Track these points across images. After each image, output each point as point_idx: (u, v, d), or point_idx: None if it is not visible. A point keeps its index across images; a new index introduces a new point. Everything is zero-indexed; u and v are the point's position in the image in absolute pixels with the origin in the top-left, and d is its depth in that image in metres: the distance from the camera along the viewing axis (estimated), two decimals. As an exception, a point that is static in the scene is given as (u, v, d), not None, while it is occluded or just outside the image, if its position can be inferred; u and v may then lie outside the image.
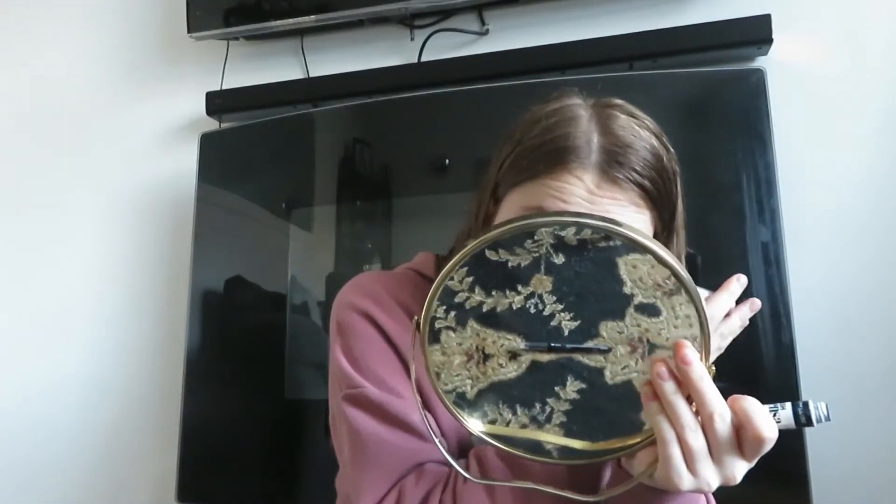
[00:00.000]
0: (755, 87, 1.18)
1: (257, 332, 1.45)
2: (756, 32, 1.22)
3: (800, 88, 1.25)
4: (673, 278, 0.50)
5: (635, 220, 0.61)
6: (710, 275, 1.16)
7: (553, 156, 0.62)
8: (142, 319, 1.62)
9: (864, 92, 1.22)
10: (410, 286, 0.76)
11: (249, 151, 1.53)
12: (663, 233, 0.66)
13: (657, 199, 0.63)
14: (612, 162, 0.61)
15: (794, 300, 1.12)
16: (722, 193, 1.17)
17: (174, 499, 1.44)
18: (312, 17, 1.46)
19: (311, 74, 1.56)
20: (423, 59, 1.47)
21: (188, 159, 1.56)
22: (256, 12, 1.50)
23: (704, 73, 1.24)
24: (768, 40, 1.22)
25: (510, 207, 0.65)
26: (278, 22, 1.49)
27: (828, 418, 0.54)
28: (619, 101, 0.67)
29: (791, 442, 1.07)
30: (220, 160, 1.53)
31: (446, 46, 1.47)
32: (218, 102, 1.56)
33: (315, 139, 1.49)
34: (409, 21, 1.50)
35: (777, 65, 1.24)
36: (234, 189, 1.52)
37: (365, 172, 1.44)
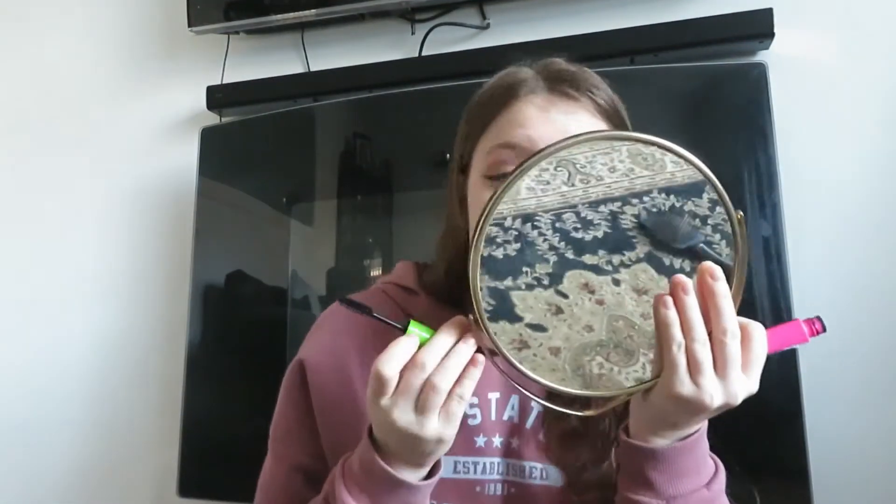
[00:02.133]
0: (757, 81, 1.17)
1: (258, 326, 1.46)
2: (758, 26, 1.22)
3: (801, 82, 1.24)
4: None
5: (594, 126, 0.63)
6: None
7: (504, 93, 0.66)
8: (143, 314, 1.62)
9: (866, 86, 1.22)
10: (385, 304, 0.75)
11: (250, 146, 1.53)
12: None
13: (611, 114, 0.65)
14: (560, 81, 0.64)
15: (795, 295, 1.12)
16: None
17: (175, 493, 1.44)
18: (313, 11, 1.45)
19: (312, 69, 1.55)
20: (424, 53, 1.47)
21: (189, 154, 1.56)
22: (257, 6, 1.50)
23: (706, 67, 1.23)
24: (770, 34, 1.22)
25: (478, 162, 0.67)
26: (279, 16, 1.48)
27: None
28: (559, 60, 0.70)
29: (791, 436, 1.08)
30: (220, 154, 1.53)
31: (447, 40, 1.47)
32: (218, 97, 1.56)
33: (316, 133, 1.49)
34: (410, 15, 1.49)
35: (779, 59, 1.24)
36: (234, 183, 1.52)
37: (366, 167, 1.44)
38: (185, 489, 1.44)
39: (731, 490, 0.62)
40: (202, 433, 1.45)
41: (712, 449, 0.61)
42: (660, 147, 0.53)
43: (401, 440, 0.55)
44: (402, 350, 0.54)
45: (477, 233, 0.54)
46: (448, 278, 0.73)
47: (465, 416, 0.69)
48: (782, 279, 1.13)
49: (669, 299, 0.51)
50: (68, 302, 1.67)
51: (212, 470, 1.44)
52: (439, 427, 0.54)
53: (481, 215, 0.54)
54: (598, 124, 0.64)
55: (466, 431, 0.69)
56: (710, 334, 0.51)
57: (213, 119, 1.60)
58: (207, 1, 1.53)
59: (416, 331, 0.56)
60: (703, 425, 0.59)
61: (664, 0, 1.33)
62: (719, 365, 0.51)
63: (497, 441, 0.70)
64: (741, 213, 0.53)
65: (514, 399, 0.71)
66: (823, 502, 1.08)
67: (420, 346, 0.55)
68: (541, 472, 0.69)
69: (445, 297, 0.73)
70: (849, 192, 1.21)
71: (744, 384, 0.52)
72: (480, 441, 0.69)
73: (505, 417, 0.71)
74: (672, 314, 0.51)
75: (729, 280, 0.52)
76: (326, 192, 1.46)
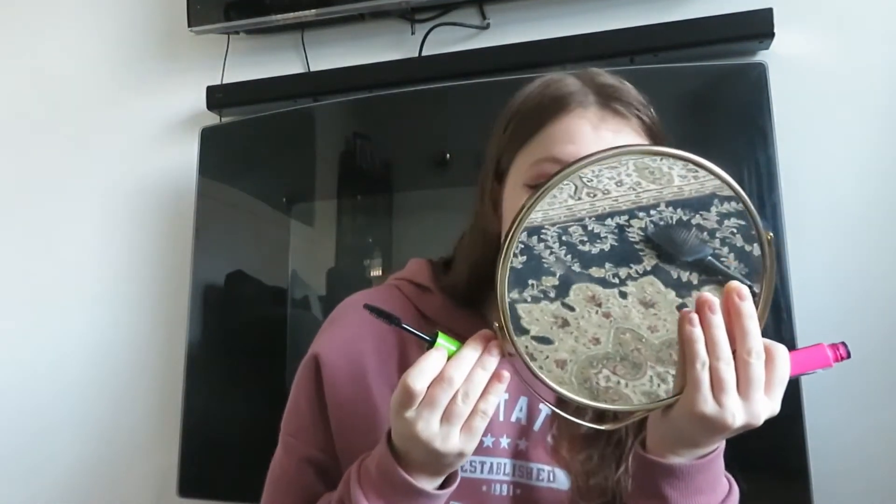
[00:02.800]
0: (757, 81, 1.17)
1: (258, 326, 1.45)
2: (758, 26, 1.22)
3: (801, 83, 1.24)
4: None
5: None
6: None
7: (552, 105, 0.64)
8: (143, 314, 1.62)
9: (866, 86, 1.22)
10: (398, 301, 0.75)
11: (250, 146, 1.53)
12: None
13: (657, 134, 0.64)
14: (610, 97, 0.63)
15: (795, 295, 1.12)
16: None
17: (175, 493, 1.44)
18: (313, 11, 1.45)
19: (312, 69, 1.55)
20: (424, 53, 1.47)
21: (189, 154, 1.56)
22: (257, 6, 1.50)
23: (706, 67, 1.23)
24: (770, 34, 1.22)
25: (518, 171, 0.66)
26: (279, 16, 1.48)
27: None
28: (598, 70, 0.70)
29: (791, 435, 1.08)
30: (220, 154, 1.53)
31: (447, 40, 1.47)
32: (218, 97, 1.56)
33: (316, 133, 1.49)
34: (410, 15, 1.49)
35: (779, 59, 1.24)
36: (234, 183, 1.52)
37: (366, 167, 1.44)
38: (185, 489, 1.44)
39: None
40: (202, 433, 1.45)
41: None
42: (703, 168, 0.53)
43: (422, 451, 0.55)
44: (432, 365, 0.54)
45: (507, 242, 0.54)
46: (470, 281, 0.72)
47: None
48: (782, 279, 1.12)
49: (695, 317, 0.51)
50: (68, 302, 1.67)
51: (212, 470, 1.44)
52: (461, 442, 0.54)
53: (512, 224, 0.54)
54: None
55: None
56: (734, 353, 0.51)
57: (213, 119, 1.60)
58: (207, 1, 1.53)
59: (444, 343, 0.56)
60: (721, 444, 0.59)
61: (664, 0, 1.33)
62: (742, 385, 0.51)
63: (504, 442, 0.70)
64: (771, 233, 0.54)
65: (523, 401, 0.71)
66: (823, 502, 1.08)
67: (447, 359, 0.55)
68: (548, 474, 0.69)
69: (462, 298, 0.73)
70: (849, 192, 1.21)
71: (766, 405, 0.52)
72: (488, 441, 0.69)
73: (513, 419, 0.71)
74: (697, 332, 0.51)
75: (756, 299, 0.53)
76: (326, 192, 1.46)
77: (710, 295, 0.51)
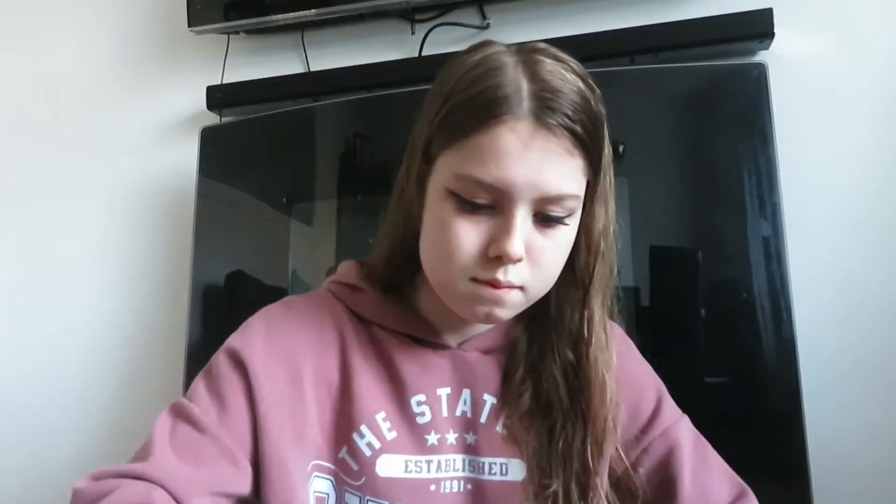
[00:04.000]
0: (757, 81, 1.17)
1: (258, 326, 1.45)
2: (758, 26, 1.22)
3: (801, 83, 1.24)
4: None
5: (567, 166, 0.61)
6: (711, 269, 1.16)
7: (484, 109, 0.60)
8: (143, 314, 1.62)
9: (866, 86, 1.22)
10: (328, 307, 0.74)
11: (250, 146, 1.53)
12: (594, 176, 0.64)
13: (587, 143, 0.61)
14: (544, 108, 0.59)
15: (795, 295, 1.12)
16: (723, 188, 1.17)
17: (175, 492, 1.44)
18: (313, 11, 1.45)
19: (312, 69, 1.55)
20: (424, 53, 1.47)
21: (189, 154, 1.56)
22: (257, 6, 1.50)
23: (706, 67, 1.23)
24: (770, 34, 1.21)
25: (444, 171, 0.63)
26: (279, 16, 1.48)
27: None
28: (542, 45, 0.65)
29: (791, 436, 1.08)
30: (220, 155, 1.53)
31: (447, 41, 1.47)
32: (218, 97, 1.56)
33: (316, 133, 1.49)
34: (410, 15, 1.49)
35: (779, 59, 1.24)
36: (234, 183, 1.51)
37: (366, 167, 1.44)
38: (185, 489, 1.44)
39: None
40: (202, 433, 1.44)
41: (715, 448, 0.61)
42: None
43: None
44: None
45: None
46: (391, 259, 0.72)
47: (414, 415, 0.69)
48: (782, 279, 1.12)
49: None
50: (68, 302, 1.67)
51: (212, 470, 1.44)
52: None
53: None
54: (570, 162, 0.61)
55: (416, 430, 0.68)
56: None
57: (213, 119, 1.60)
58: (207, 1, 1.53)
59: None
60: None
61: (664, 0, 1.33)
62: None
63: (451, 437, 0.69)
64: None
65: (466, 393, 0.71)
66: (823, 502, 1.08)
67: None
68: (500, 467, 0.69)
69: (387, 283, 0.73)
70: (849, 192, 1.21)
71: None
72: (433, 439, 0.68)
73: (458, 413, 0.70)
74: None
75: None
76: (326, 192, 1.46)
77: None
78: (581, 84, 0.62)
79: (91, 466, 0.61)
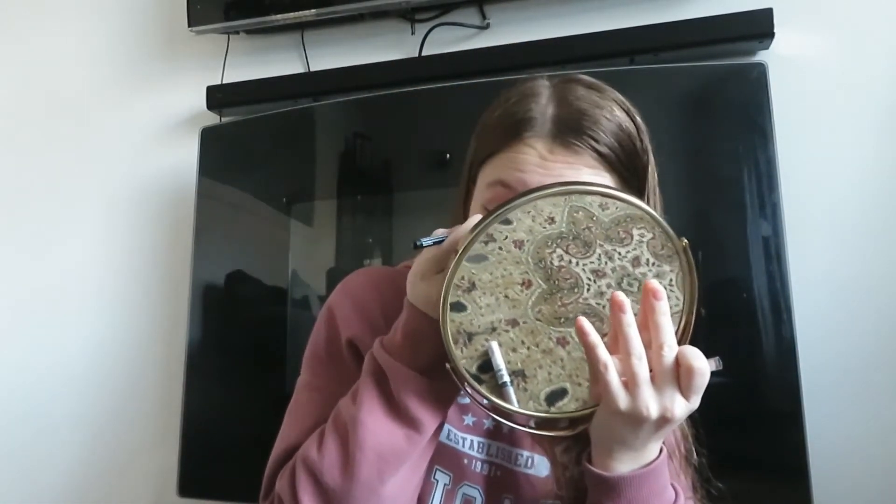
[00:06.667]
0: (757, 81, 1.17)
1: (258, 326, 1.45)
2: (758, 26, 1.22)
3: (801, 83, 1.24)
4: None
5: (591, 180, 0.63)
6: (711, 269, 1.16)
7: (510, 129, 0.65)
8: (143, 314, 1.62)
9: (866, 86, 1.22)
10: (395, 284, 0.76)
11: (250, 146, 1.53)
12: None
13: (616, 163, 0.64)
14: (565, 128, 0.63)
15: (795, 294, 1.12)
16: (723, 188, 1.17)
17: (175, 493, 1.44)
18: (313, 11, 1.46)
19: (312, 68, 1.55)
20: (424, 53, 1.47)
21: (189, 153, 1.56)
22: (257, 6, 1.50)
23: (706, 67, 1.23)
24: (770, 34, 1.22)
25: (480, 188, 0.68)
26: (279, 16, 1.48)
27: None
28: (582, 76, 0.69)
29: (791, 435, 1.08)
30: (220, 154, 1.53)
31: (447, 40, 1.47)
32: (219, 97, 1.56)
33: (316, 133, 1.49)
34: (410, 15, 1.49)
35: (779, 59, 1.24)
36: (234, 183, 1.52)
37: (366, 167, 1.44)
38: (185, 489, 1.44)
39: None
40: (202, 433, 1.45)
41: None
42: (613, 197, 0.57)
43: None
44: None
45: (448, 277, 0.57)
46: None
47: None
48: (782, 279, 1.13)
49: (588, 327, 0.54)
50: (68, 302, 1.67)
51: (212, 470, 1.44)
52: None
53: (449, 265, 0.58)
54: (596, 176, 0.63)
55: (458, 407, 0.71)
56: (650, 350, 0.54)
57: (213, 119, 1.60)
58: (207, 1, 1.53)
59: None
60: (663, 453, 0.60)
61: (664, 0, 1.33)
62: (656, 378, 0.54)
63: (487, 423, 0.71)
64: (685, 240, 0.56)
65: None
66: (823, 502, 1.08)
67: None
68: (527, 460, 0.70)
69: None
70: (849, 192, 1.21)
71: (680, 401, 0.54)
72: (469, 420, 0.71)
73: None
74: (592, 339, 0.53)
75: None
76: (326, 191, 1.46)
77: (621, 295, 0.54)
78: (617, 111, 0.66)
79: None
